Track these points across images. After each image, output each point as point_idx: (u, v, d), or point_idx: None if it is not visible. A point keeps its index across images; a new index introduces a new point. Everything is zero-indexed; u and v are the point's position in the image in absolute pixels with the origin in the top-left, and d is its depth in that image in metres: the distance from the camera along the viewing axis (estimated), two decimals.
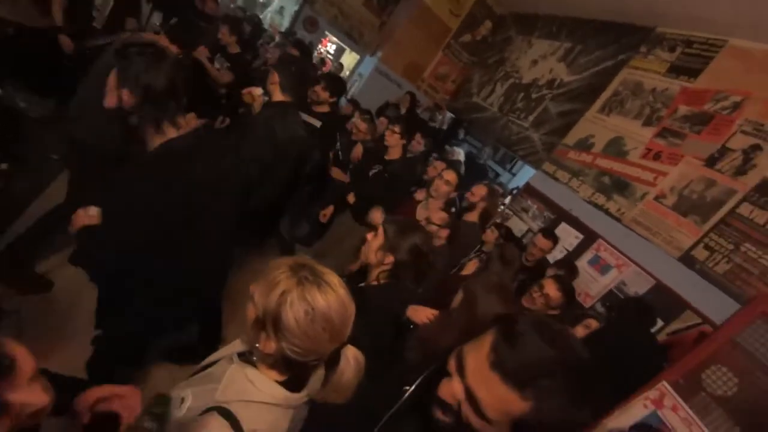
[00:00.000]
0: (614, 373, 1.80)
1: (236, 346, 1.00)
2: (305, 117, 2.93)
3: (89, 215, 1.31)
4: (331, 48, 7.66)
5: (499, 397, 0.63)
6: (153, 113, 1.27)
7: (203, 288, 1.68)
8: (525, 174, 5.73)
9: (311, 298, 0.78)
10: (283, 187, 2.21)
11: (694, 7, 3.14)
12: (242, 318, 0.86)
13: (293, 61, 2.31)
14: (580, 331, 2.33)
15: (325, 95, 2.98)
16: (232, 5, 6.05)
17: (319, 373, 0.94)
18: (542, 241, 3.12)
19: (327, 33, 6.93)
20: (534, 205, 3.94)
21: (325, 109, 3.04)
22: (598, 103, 3.85)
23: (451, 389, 0.69)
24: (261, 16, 7.22)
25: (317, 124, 2.97)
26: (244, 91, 2.47)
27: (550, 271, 2.98)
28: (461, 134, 6.00)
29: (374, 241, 1.48)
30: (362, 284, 1.55)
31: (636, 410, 1.76)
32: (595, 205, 3.43)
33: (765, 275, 2.35)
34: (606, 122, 3.70)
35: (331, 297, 0.81)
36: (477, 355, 0.67)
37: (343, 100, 5.64)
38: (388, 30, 5.95)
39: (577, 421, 0.63)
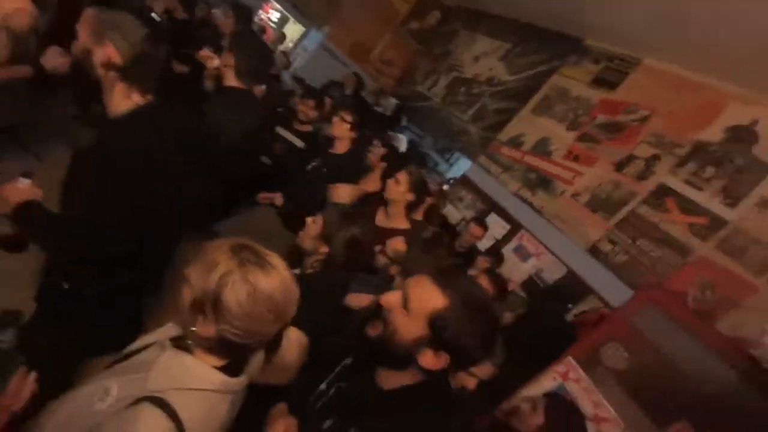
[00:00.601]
0: (533, 351, 1.99)
1: (167, 331, 0.94)
2: (286, 135, 2.75)
3: (20, 188, 1.07)
4: (274, 15, 7.21)
5: (426, 292, 0.84)
6: (134, 73, 1.13)
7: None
8: (462, 165, 5.98)
9: (254, 280, 0.76)
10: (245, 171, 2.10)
11: (615, 22, 3.46)
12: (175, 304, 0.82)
13: (253, 44, 2.11)
14: (508, 317, 2.53)
15: (313, 115, 2.78)
16: None
17: (259, 357, 0.93)
18: (475, 229, 3.30)
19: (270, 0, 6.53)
20: (468, 196, 4.15)
21: (308, 128, 2.86)
22: (531, 104, 4.13)
23: (391, 298, 0.87)
24: None
25: (300, 144, 2.76)
26: (202, 53, 2.23)
27: (480, 259, 3.19)
28: (404, 121, 6.06)
29: (313, 227, 1.45)
30: (296, 271, 1.52)
31: (546, 382, 1.97)
32: (521, 199, 3.71)
33: (654, 266, 2.74)
34: (536, 123, 3.99)
35: (275, 278, 0.79)
36: (420, 275, 0.89)
37: (286, 76, 5.38)
38: (336, 5, 5.75)
39: (474, 344, 0.82)
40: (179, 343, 0.86)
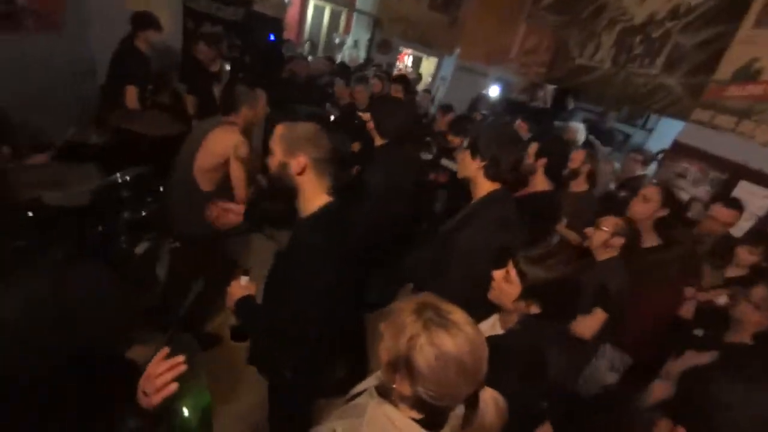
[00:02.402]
0: None
1: (373, 380, 1.01)
2: (449, 164, 2.91)
3: (242, 286, 1.33)
4: (409, 60, 7.64)
5: None
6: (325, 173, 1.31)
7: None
8: (666, 128, 4.70)
9: (440, 342, 0.76)
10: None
11: None
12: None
13: (389, 102, 2.29)
14: None
15: (457, 141, 2.86)
16: (309, 57, 6.49)
17: (458, 413, 0.89)
18: (723, 213, 2.40)
19: (401, 48, 6.96)
20: (692, 167, 3.15)
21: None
22: (750, 16, 2.92)
23: None
24: (340, 55, 7.64)
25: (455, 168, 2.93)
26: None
27: (742, 251, 2.30)
28: (571, 104, 5.26)
29: (509, 287, 1.26)
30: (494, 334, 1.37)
31: None
32: None
33: None
34: None
35: (461, 338, 0.77)
36: None
37: (432, 108, 5.53)
38: (460, 24, 5.65)
39: None
40: (384, 392, 0.90)
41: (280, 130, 1.27)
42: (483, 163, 1.49)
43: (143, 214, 2.20)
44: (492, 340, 0.89)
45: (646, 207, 2.01)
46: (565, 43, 5.06)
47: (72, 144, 2.19)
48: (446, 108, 3.76)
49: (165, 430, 0.80)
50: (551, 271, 1.23)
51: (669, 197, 2.02)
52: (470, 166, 1.53)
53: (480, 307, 1.31)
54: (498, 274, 1.30)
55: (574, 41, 4.90)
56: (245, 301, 1.32)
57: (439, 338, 0.76)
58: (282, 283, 1.37)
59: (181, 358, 0.79)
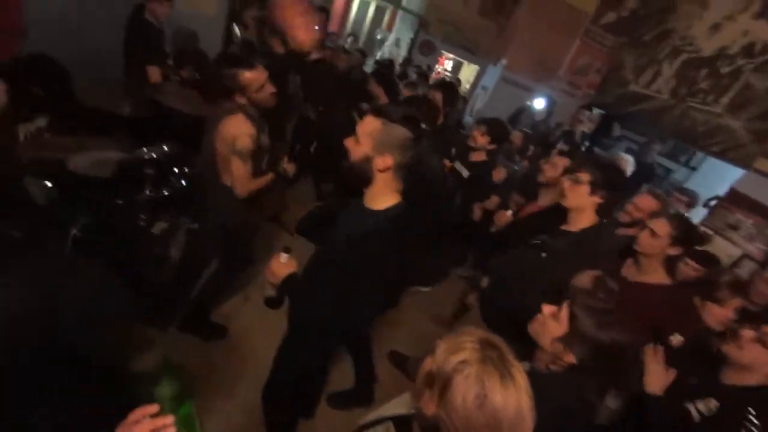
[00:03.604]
0: None
1: (393, 407, 0.96)
2: (458, 167, 2.67)
3: (283, 263, 1.32)
4: (449, 65, 7.45)
5: None
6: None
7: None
8: (711, 169, 4.41)
9: (489, 386, 0.69)
10: None
11: None
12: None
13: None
14: None
15: (484, 141, 2.57)
16: (350, 48, 6.35)
17: None
18: None
19: (443, 51, 6.78)
20: (748, 220, 2.91)
21: (481, 157, 2.61)
22: None
23: None
24: (380, 52, 7.50)
25: (465, 174, 2.62)
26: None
27: None
28: (617, 131, 4.99)
29: (554, 325, 1.14)
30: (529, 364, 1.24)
31: None
32: None
33: None
34: None
35: (511, 397, 0.69)
36: None
37: (469, 120, 5.34)
38: (510, 32, 5.44)
39: None
40: (404, 428, 0.85)
41: (376, 125, 1.25)
42: (599, 201, 1.64)
43: (165, 193, 2.11)
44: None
45: (654, 242, 1.70)
46: (619, 67, 4.82)
47: (102, 113, 2.09)
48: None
49: None
50: (604, 330, 1.06)
51: (682, 235, 1.67)
52: (586, 200, 1.65)
53: None
54: (548, 308, 1.18)
55: (630, 66, 4.65)
56: (290, 279, 1.33)
57: (490, 381, 0.69)
58: (334, 266, 1.34)
59: (170, 419, 0.71)
